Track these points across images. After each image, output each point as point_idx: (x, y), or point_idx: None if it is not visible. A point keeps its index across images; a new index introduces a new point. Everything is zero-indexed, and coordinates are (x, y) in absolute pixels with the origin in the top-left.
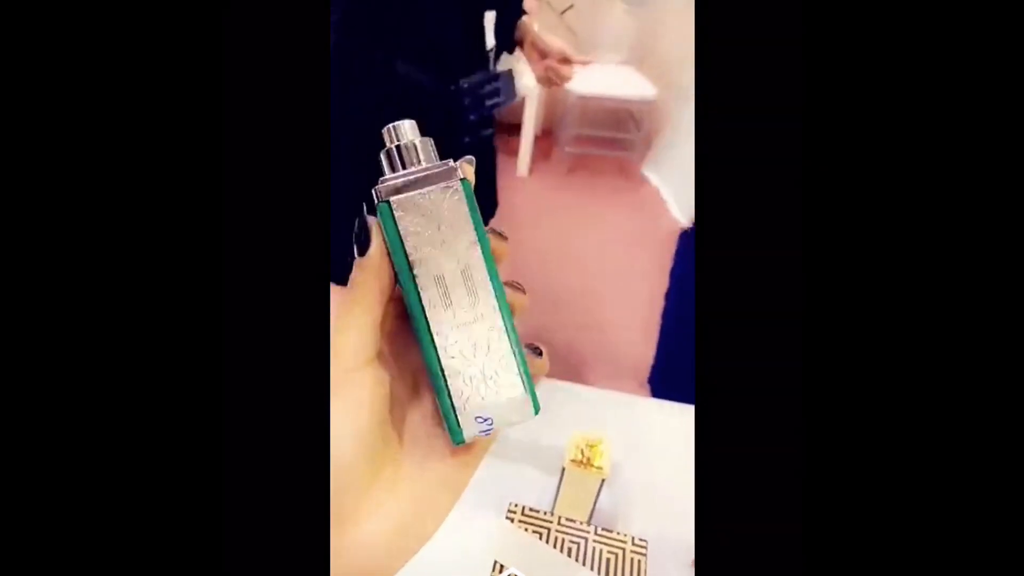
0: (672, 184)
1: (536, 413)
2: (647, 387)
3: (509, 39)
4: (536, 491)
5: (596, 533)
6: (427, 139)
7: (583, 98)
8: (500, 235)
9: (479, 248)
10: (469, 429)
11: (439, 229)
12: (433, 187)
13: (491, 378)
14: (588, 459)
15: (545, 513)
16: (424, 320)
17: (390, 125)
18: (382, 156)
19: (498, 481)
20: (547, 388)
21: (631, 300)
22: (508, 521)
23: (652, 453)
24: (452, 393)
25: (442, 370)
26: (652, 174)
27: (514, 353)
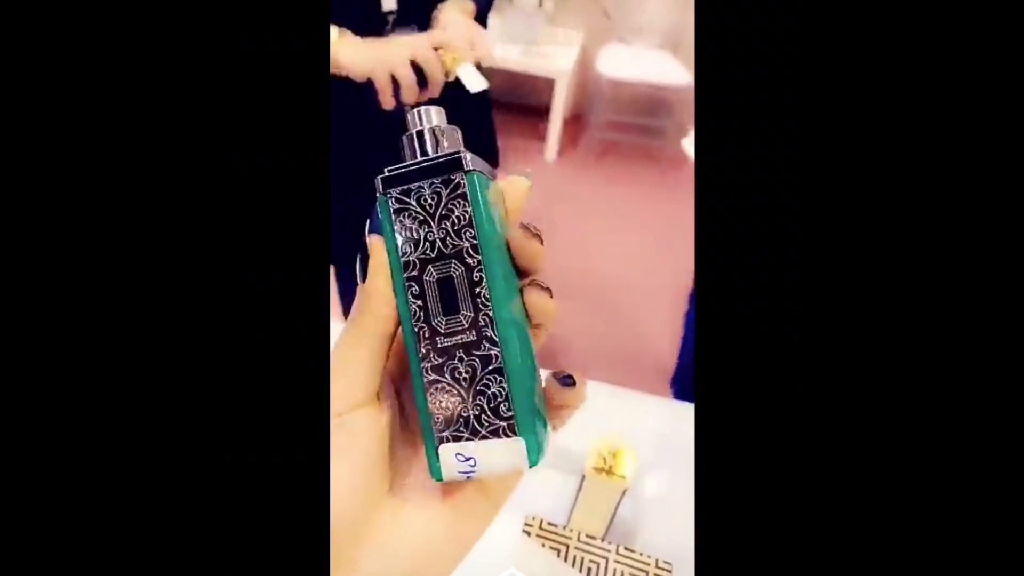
0: None
1: (534, 465)
2: (669, 388)
3: (415, 10)
4: (552, 495)
5: (618, 552)
6: (453, 127)
7: (615, 83)
8: (533, 232)
9: (484, 254)
10: (448, 466)
11: (438, 229)
12: (435, 179)
13: (484, 410)
14: (611, 467)
15: (565, 528)
16: (411, 334)
17: (417, 109)
18: (403, 141)
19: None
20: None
21: (657, 293)
22: (525, 535)
23: (675, 460)
24: (434, 420)
25: (424, 392)
26: (691, 147)
27: (518, 381)
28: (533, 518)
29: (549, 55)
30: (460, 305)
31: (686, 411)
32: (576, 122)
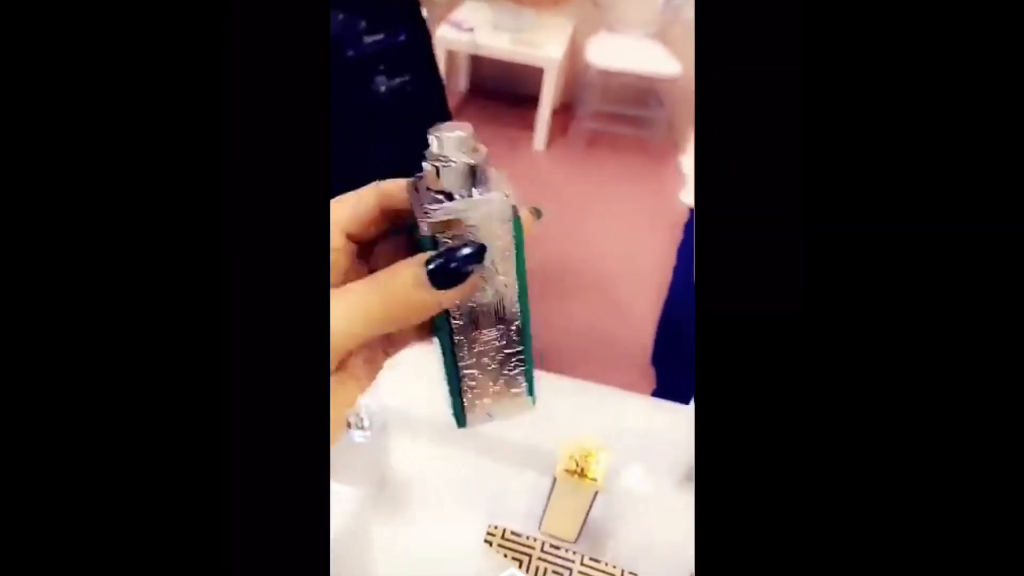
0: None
1: (533, 405)
2: (651, 370)
3: None
4: (526, 495)
5: (583, 563)
6: (482, 154)
7: (604, 73)
8: (537, 213)
9: (519, 282)
10: (474, 421)
11: (485, 262)
12: (485, 219)
13: (504, 387)
14: (582, 469)
15: (528, 538)
16: (449, 343)
17: (440, 133)
18: (426, 167)
19: (490, 481)
20: (545, 383)
21: (645, 282)
22: (487, 545)
23: (648, 457)
24: (463, 385)
25: (459, 380)
26: (689, 166)
27: (528, 358)
28: (496, 527)
29: (538, 44)
30: (495, 322)
31: (664, 409)
32: (565, 112)
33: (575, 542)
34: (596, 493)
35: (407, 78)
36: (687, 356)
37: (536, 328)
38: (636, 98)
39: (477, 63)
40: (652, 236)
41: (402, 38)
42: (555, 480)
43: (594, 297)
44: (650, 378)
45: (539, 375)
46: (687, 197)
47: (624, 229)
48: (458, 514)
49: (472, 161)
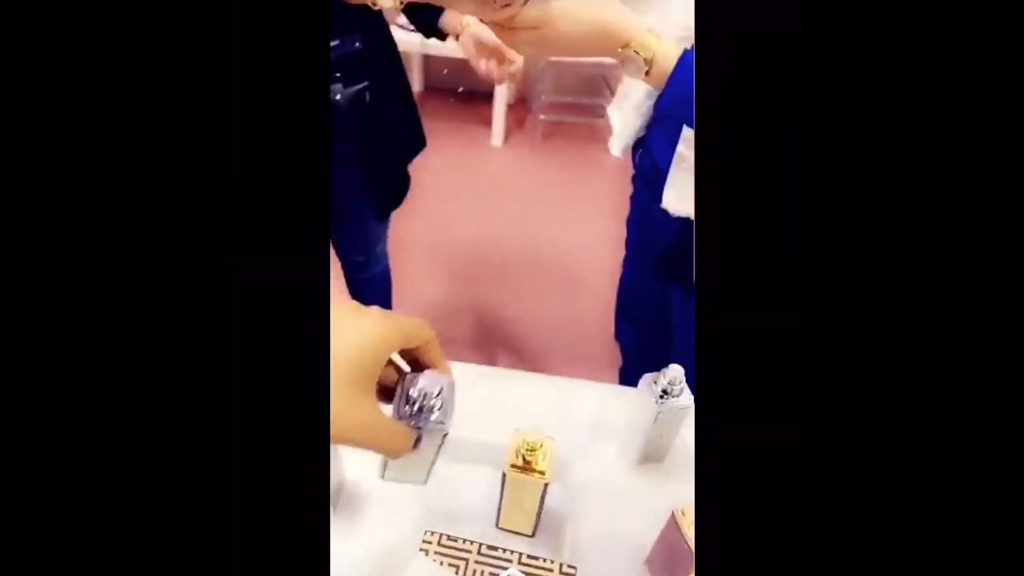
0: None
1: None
2: (616, 345)
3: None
4: (484, 492)
5: (520, 562)
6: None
7: (555, 63)
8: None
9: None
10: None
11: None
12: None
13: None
14: (529, 464)
15: (464, 541)
16: None
17: (418, 389)
18: (413, 395)
19: (446, 481)
20: (493, 377)
21: (606, 265)
22: (423, 554)
23: (601, 444)
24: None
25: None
26: (615, 113)
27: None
28: (432, 534)
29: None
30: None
31: (614, 394)
32: (521, 106)
33: (533, 535)
34: (546, 485)
35: (365, 84)
36: (643, 324)
37: (512, 322)
38: (587, 86)
39: (430, 63)
40: (613, 221)
41: (358, 45)
42: (504, 476)
43: (564, 286)
44: (617, 359)
45: (486, 369)
46: (615, 148)
47: (586, 217)
48: (415, 517)
49: (440, 402)
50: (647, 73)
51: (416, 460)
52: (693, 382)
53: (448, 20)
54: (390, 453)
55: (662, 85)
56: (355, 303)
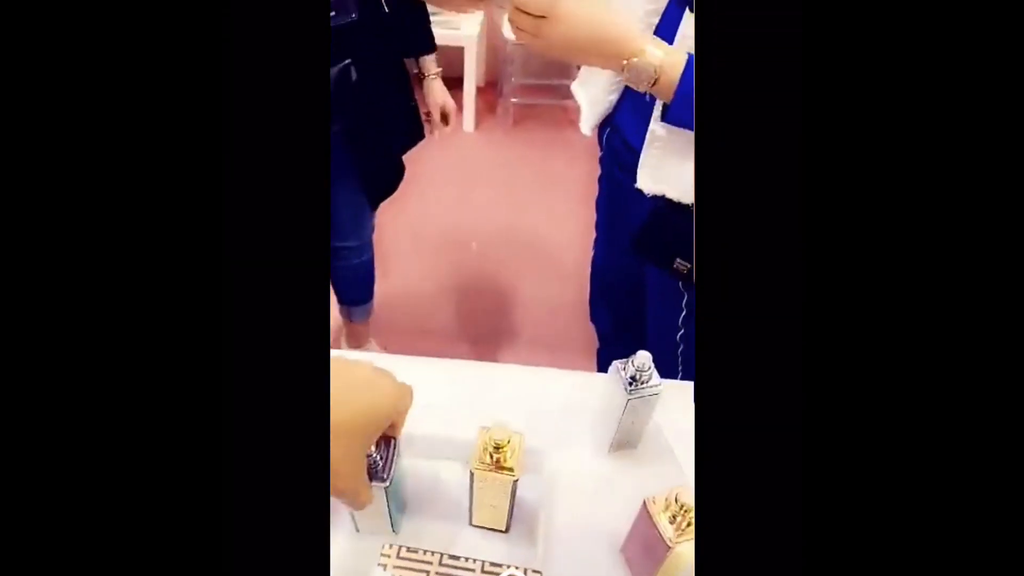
0: (588, 98)
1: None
2: (591, 327)
3: None
4: (456, 489)
5: (483, 571)
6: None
7: (523, 45)
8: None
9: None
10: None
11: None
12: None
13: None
14: (497, 461)
15: (424, 552)
16: None
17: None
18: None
19: (421, 479)
20: (464, 370)
21: (584, 244)
22: (381, 568)
23: (574, 433)
24: None
25: None
26: (580, 90)
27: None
28: (390, 547)
29: (454, 24)
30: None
31: (584, 382)
32: (491, 89)
33: (507, 531)
34: (516, 481)
35: (347, 62)
36: (618, 306)
37: (489, 307)
38: (555, 67)
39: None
40: (588, 203)
41: (350, 18)
42: (472, 475)
43: (540, 270)
44: (594, 340)
45: (454, 363)
46: (585, 127)
47: (561, 200)
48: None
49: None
50: (655, 83)
51: (375, 511)
52: (691, 378)
53: None
54: (355, 504)
55: (670, 95)
56: (370, 364)
